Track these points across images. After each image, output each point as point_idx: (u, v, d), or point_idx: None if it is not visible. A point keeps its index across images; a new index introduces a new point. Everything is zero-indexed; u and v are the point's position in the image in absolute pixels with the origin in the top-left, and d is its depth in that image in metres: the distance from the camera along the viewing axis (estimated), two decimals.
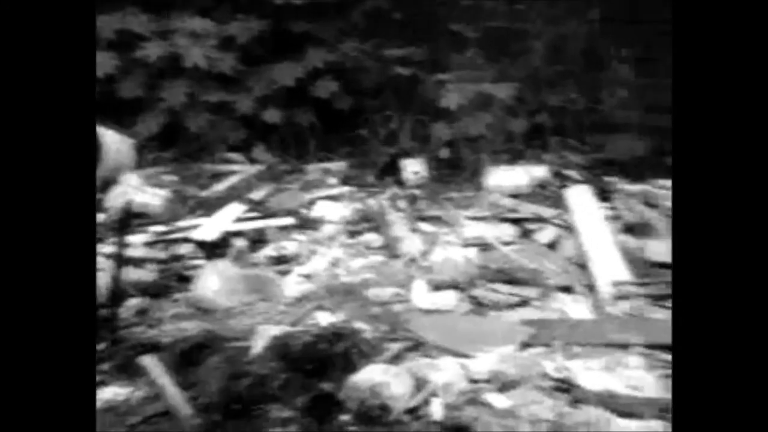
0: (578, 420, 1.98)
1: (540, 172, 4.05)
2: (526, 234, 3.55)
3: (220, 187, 4.20)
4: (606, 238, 3.32)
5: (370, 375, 2.13)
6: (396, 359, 2.38)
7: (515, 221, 3.66)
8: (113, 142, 2.30)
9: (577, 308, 2.83)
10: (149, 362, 2.34)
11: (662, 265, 3.12)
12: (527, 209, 3.76)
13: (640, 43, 4.43)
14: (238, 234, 3.50)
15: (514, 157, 4.23)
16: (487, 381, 2.25)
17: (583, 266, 3.16)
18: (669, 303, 2.81)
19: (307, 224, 3.68)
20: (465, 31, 4.43)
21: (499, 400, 2.12)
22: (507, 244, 3.43)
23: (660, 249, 3.21)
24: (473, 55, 4.34)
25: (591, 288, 2.99)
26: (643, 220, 3.44)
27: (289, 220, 3.69)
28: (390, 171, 4.40)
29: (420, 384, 2.19)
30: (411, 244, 3.41)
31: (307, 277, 3.11)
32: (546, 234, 3.50)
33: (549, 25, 4.53)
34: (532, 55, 4.42)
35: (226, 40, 4.58)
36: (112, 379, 2.30)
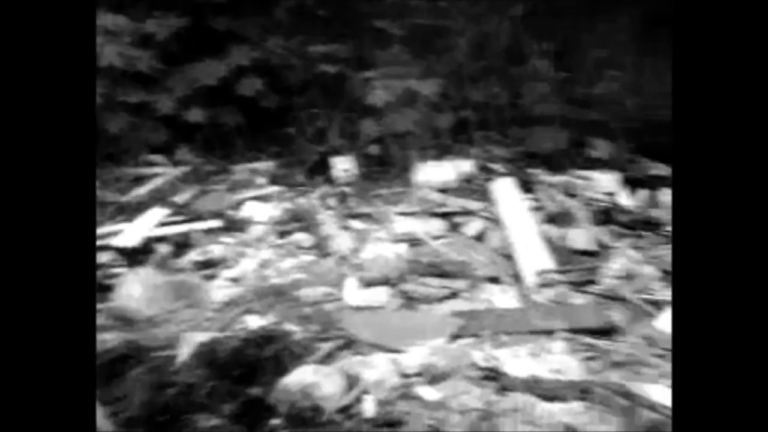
0: (505, 407, 2.03)
1: (466, 166, 4.13)
2: (454, 227, 3.61)
3: (141, 190, 4.04)
4: (530, 228, 3.42)
5: (300, 377, 2.11)
6: (328, 359, 2.37)
7: (444, 215, 3.72)
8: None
9: (504, 298, 2.91)
10: None
11: (582, 253, 3.26)
12: (455, 203, 3.83)
13: (559, 37, 4.60)
14: (161, 239, 3.39)
15: (441, 153, 4.29)
16: (419, 375, 2.27)
17: (509, 257, 3.25)
18: (590, 288, 2.95)
19: (234, 226, 3.60)
20: (389, 28, 4.45)
21: (429, 393, 2.15)
22: (436, 238, 3.48)
23: (580, 237, 3.35)
24: (398, 52, 4.36)
25: (517, 278, 3.08)
26: (564, 209, 3.57)
27: (215, 223, 3.60)
28: (319, 169, 4.37)
29: (352, 382, 2.18)
30: (342, 242, 3.40)
31: (235, 280, 3.04)
32: (473, 227, 3.57)
33: (471, 22, 4.62)
34: (456, 51, 4.49)
35: (143, 38, 4.41)
36: None
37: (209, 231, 3.51)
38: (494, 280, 3.06)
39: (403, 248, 3.34)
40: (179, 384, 2.11)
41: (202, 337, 2.40)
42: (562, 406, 1.99)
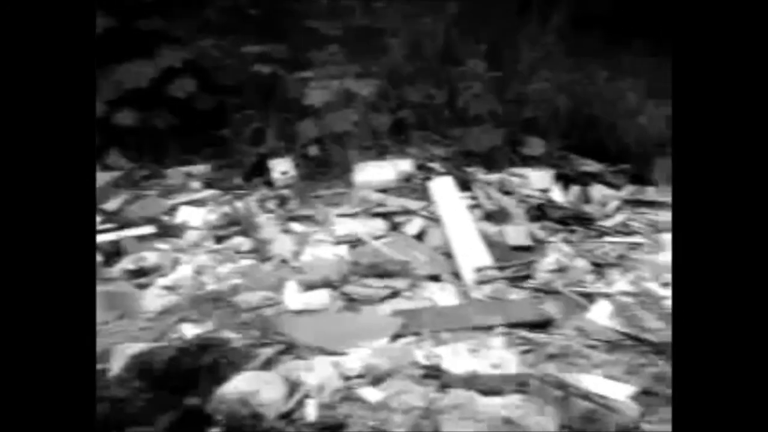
0: (446, 404, 2.05)
1: (405, 166, 4.16)
2: (395, 227, 3.63)
3: None
4: (468, 226, 3.48)
5: (238, 384, 2.07)
6: (268, 365, 2.33)
7: (384, 215, 3.73)
8: None
9: (444, 296, 2.94)
10: None
11: (518, 249, 3.34)
12: (395, 203, 3.85)
13: (491, 37, 4.70)
14: None
15: (381, 153, 4.30)
16: (361, 376, 2.27)
17: (449, 255, 3.29)
18: (526, 283, 3.02)
19: (169, 232, 3.50)
20: (324, 28, 4.42)
21: (372, 394, 2.14)
22: (377, 238, 3.49)
23: (516, 233, 3.43)
24: (334, 53, 4.34)
25: (457, 275, 3.12)
26: (500, 207, 3.65)
27: (148, 229, 3.48)
28: (257, 172, 4.30)
29: (293, 387, 2.15)
30: (282, 245, 3.36)
31: (171, 288, 2.95)
32: (414, 226, 3.60)
33: (407, 23, 4.66)
34: (392, 52, 4.51)
35: None
36: None
37: (142, 238, 3.39)
38: (435, 278, 3.10)
39: (344, 250, 3.33)
40: (110, 398, 2.03)
41: (135, 348, 2.31)
42: (500, 400, 2.03)
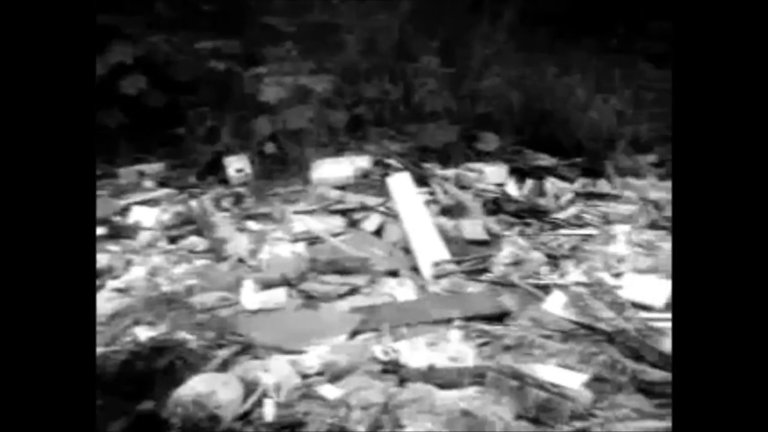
0: (405, 398, 2.06)
1: (363, 162, 4.16)
2: (353, 224, 3.63)
3: None
4: (426, 221, 3.50)
5: (193, 387, 2.03)
6: (225, 366, 2.29)
7: (342, 212, 3.72)
8: None
9: (403, 291, 2.96)
10: None
11: (475, 242, 3.39)
12: (353, 199, 3.84)
13: (445, 34, 4.73)
14: None
15: (338, 150, 4.28)
16: (319, 374, 2.26)
17: (407, 250, 3.31)
18: (483, 276, 3.07)
19: (121, 233, 3.41)
20: (279, 24, 4.37)
21: (330, 391, 2.14)
22: (336, 235, 3.48)
23: (473, 228, 3.48)
24: (289, 49, 4.30)
25: (415, 270, 3.14)
26: (457, 201, 3.69)
27: (100, 230, 3.37)
28: (212, 170, 4.23)
29: (251, 387, 2.13)
30: (238, 244, 3.31)
31: (123, 290, 2.87)
32: (372, 222, 3.61)
33: (362, 19, 4.65)
34: (347, 48, 4.49)
35: None
36: None
37: None
38: (393, 273, 3.11)
39: (301, 247, 3.31)
40: None
41: None
42: (458, 393, 2.06)
